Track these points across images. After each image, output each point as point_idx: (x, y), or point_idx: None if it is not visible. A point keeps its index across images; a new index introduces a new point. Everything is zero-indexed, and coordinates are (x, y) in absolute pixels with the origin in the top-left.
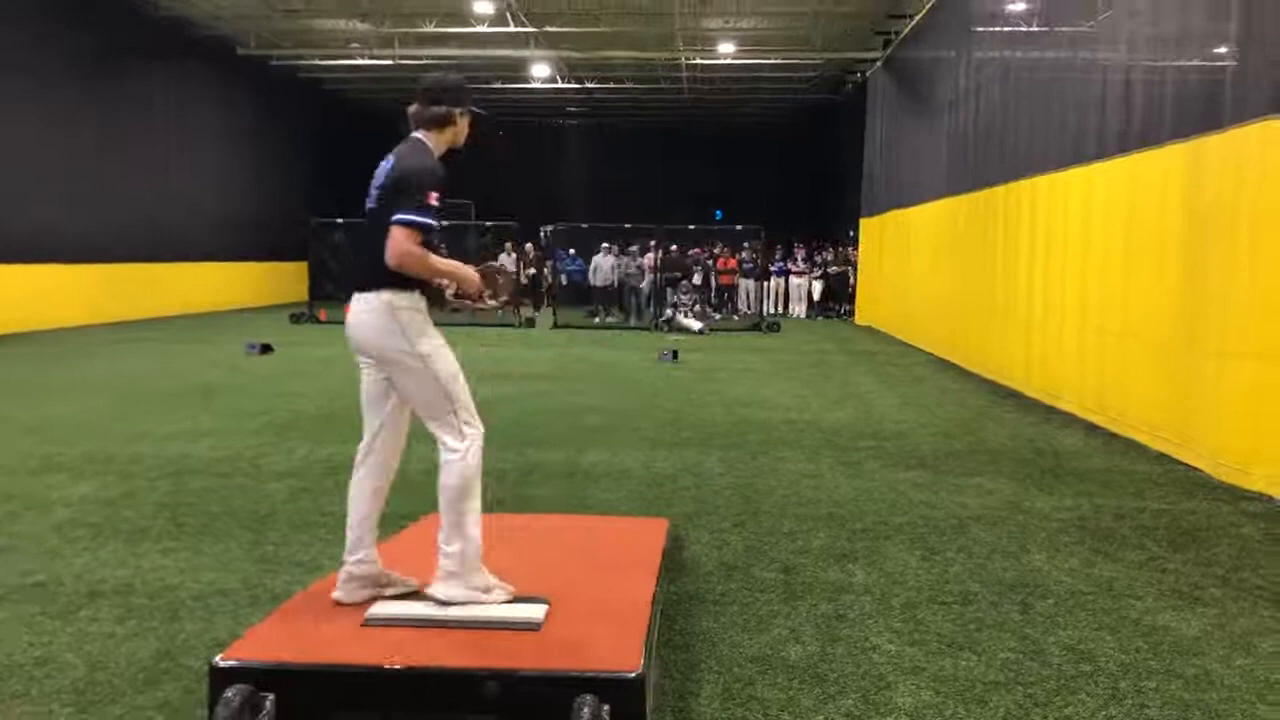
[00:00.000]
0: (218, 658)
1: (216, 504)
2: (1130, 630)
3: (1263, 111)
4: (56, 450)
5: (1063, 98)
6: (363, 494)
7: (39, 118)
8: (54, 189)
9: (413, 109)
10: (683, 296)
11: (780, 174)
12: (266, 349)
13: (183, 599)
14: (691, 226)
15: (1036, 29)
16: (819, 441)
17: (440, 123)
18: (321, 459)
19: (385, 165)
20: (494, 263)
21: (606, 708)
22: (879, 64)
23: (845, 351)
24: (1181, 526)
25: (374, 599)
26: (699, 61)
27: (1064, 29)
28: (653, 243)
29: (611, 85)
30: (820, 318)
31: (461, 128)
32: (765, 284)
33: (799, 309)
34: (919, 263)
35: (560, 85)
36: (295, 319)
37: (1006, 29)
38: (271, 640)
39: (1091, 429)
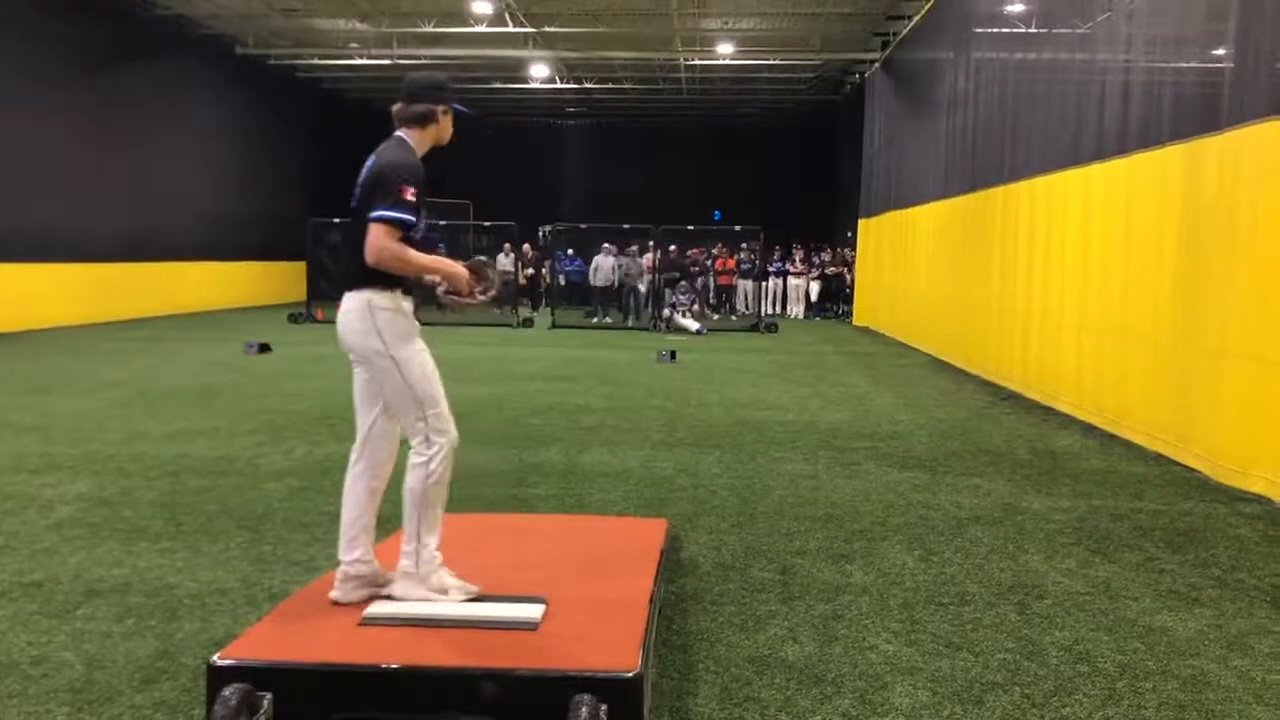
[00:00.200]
0: (215, 657)
1: (214, 503)
2: (1127, 631)
3: (1261, 113)
4: (54, 449)
5: (1061, 99)
6: (357, 494)
7: (36, 116)
8: (51, 188)
9: (396, 107)
10: (681, 297)
11: (779, 175)
12: (265, 348)
13: (180, 598)
14: (690, 227)
15: (1035, 30)
16: (817, 442)
17: (422, 120)
18: (319, 459)
19: (367, 163)
20: (482, 257)
21: (604, 707)
22: (878, 65)
23: (843, 352)
24: (1179, 527)
25: (371, 599)
26: (698, 62)
27: (1063, 30)
28: (651, 243)
29: (610, 86)
30: (818, 318)
31: (444, 125)
32: (763, 284)
33: (797, 309)
34: (917, 264)
35: (559, 85)
36: (293, 319)
37: (1005, 30)
38: (269, 639)
39: (1089, 430)
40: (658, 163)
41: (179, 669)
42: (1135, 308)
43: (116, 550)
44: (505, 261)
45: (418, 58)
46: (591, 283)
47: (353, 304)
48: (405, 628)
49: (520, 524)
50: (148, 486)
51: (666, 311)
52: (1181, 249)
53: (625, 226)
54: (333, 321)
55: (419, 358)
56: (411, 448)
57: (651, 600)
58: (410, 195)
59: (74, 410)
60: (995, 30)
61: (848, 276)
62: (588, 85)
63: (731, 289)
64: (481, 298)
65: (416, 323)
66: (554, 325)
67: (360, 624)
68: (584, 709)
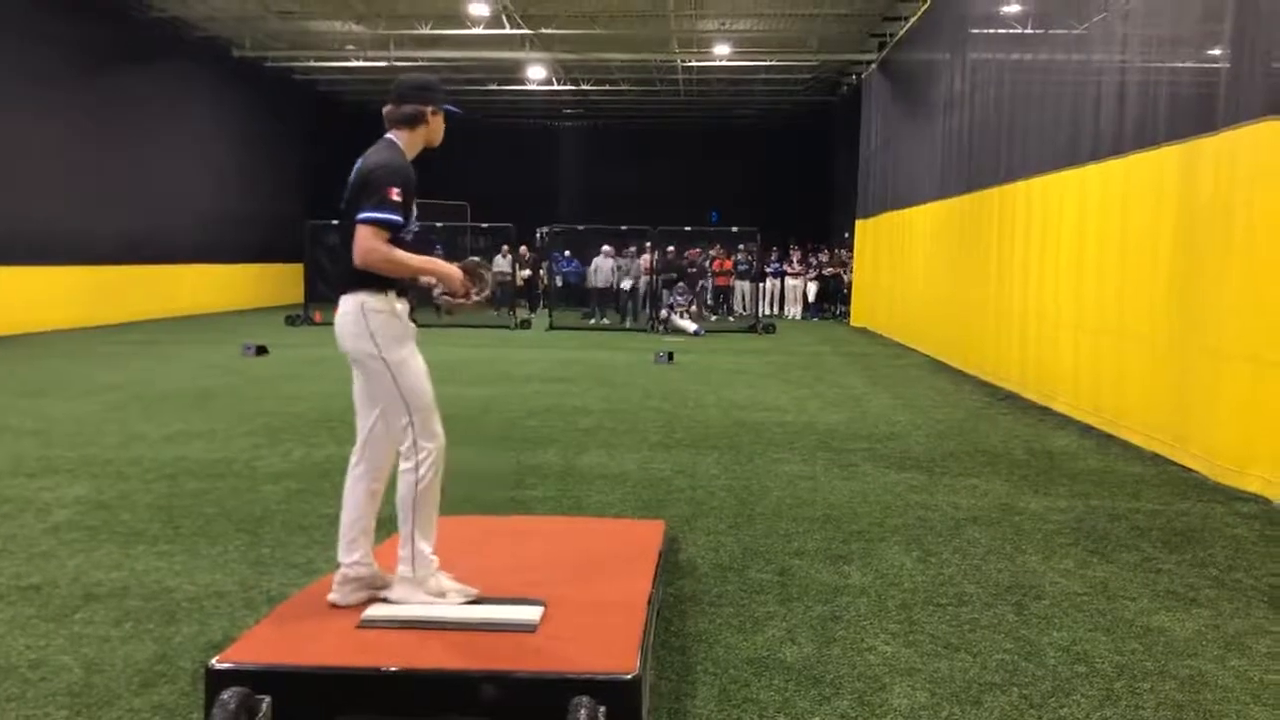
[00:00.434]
0: (214, 660)
1: (212, 506)
2: (1125, 631)
3: (1257, 113)
4: (51, 453)
5: (1057, 100)
6: (357, 496)
7: (33, 119)
8: (48, 190)
9: (386, 109)
10: (678, 298)
11: (776, 176)
12: (262, 351)
13: (178, 601)
14: (687, 228)
15: (1031, 31)
16: (814, 443)
17: (411, 121)
18: (317, 461)
19: (356, 166)
20: (475, 258)
21: (603, 709)
22: (874, 66)
23: (840, 353)
24: (1176, 527)
25: (370, 601)
26: (694, 63)
27: (1059, 31)
28: (648, 244)
29: (607, 87)
30: (815, 319)
31: (435, 126)
32: (761, 285)
33: (794, 310)
34: (914, 264)
35: (556, 87)
36: (291, 321)
37: (1001, 31)
38: (267, 643)
39: (1086, 430)
40: (655, 164)
41: (177, 672)
42: (1132, 308)
43: (114, 553)
44: (503, 263)
45: (414, 60)
46: (590, 284)
47: (347, 306)
48: (404, 630)
49: (518, 526)
50: (145, 489)
51: (664, 313)
52: (1178, 249)
53: (623, 228)
54: (330, 324)
55: (412, 362)
56: (400, 453)
57: (650, 602)
58: (396, 196)
59: (71, 413)
60: (991, 31)
61: (845, 277)
62: (584, 87)
63: (729, 290)
64: (476, 298)
65: (412, 325)
66: (551, 327)
67: (359, 626)
68: (583, 711)
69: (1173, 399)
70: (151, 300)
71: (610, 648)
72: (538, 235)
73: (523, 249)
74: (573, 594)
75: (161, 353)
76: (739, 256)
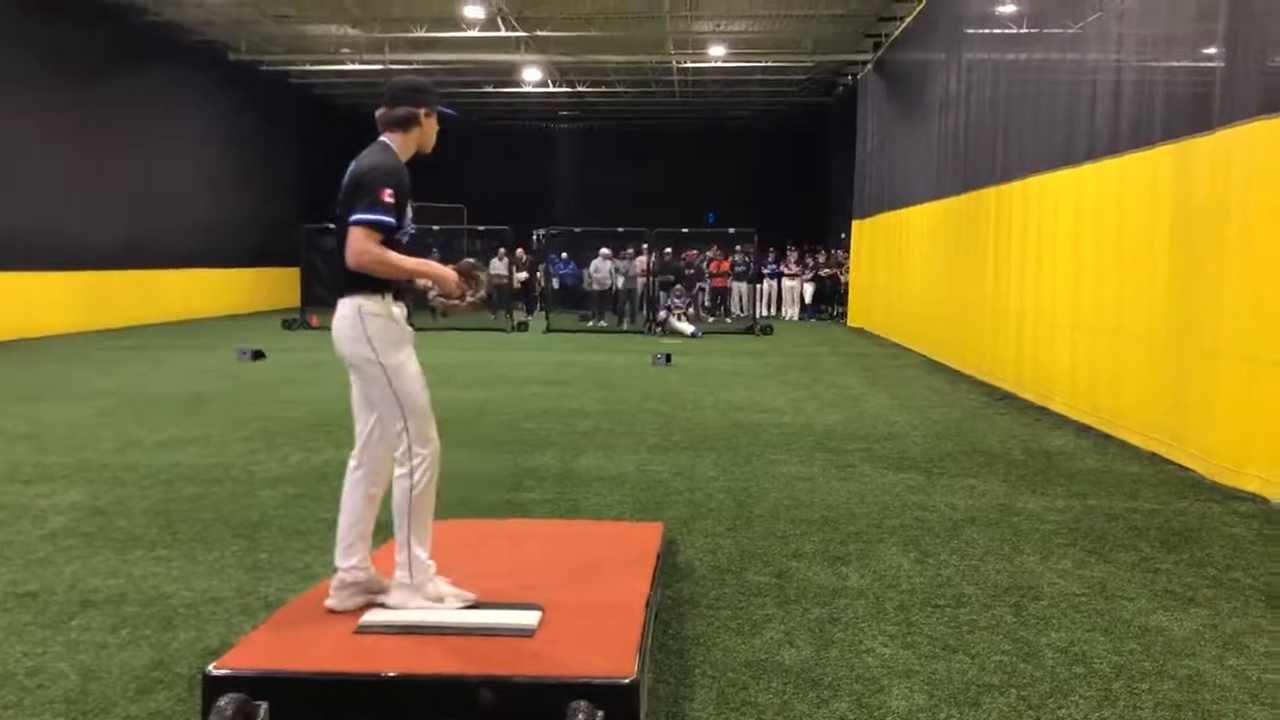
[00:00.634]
0: (211, 666)
1: (209, 511)
2: (1123, 631)
3: (1252, 113)
4: (47, 459)
5: (1053, 99)
6: (355, 500)
7: (28, 124)
8: (43, 195)
9: (379, 112)
10: (676, 300)
11: (772, 177)
12: (258, 355)
13: (175, 607)
14: (685, 230)
15: (1026, 31)
16: (812, 444)
17: (404, 124)
18: (315, 465)
19: (349, 169)
20: (470, 260)
21: (601, 713)
22: (869, 66)
23: (837, 354)
24: (1174, 527)
25: (367, 606)
26: (690, 65)
27: (1054, 31)
28: (645, 246)
29: (603, 89)
30: (813, 320)
31: (428, 128)
32: (758, 287)
33: (791, 311)
34: (911, 265)
35: (551, 89)
36: (287, 325)
37: (997, 31)
38: (265, 648)
39: (1083, 430)
40: (651, 165)
41: (174, 679)
42: (1129, 307)
43: (111, 560)
44: (499, 266)
45: (409, 63)
46: (588, 286)
47: (344, 310)
48: (401, 635)
49: (515, 529)
50: (142, 495)
51: (662, 314)
52: (1174, 249)
53: (619, 230)
54: (327, 328)
55: (408, 366)
56: (395, 458)
57: (648, 605)
58: (388, 197)
59: (67, 419)
60: (986, 31)
61: (841, 278)
62: (580, 89)
63: (726, 291)
64: (471, 299)
65: (409, 329)
66: (548, 329)
67: (356, 632)
68: (581, 715)
69: (1170, 398)
70: (147, 305)
71: (608, 651)
72: (534, 237)
73: (519, 251)
74: (570, 597)
75: (157, 358)
76: (736, 258)
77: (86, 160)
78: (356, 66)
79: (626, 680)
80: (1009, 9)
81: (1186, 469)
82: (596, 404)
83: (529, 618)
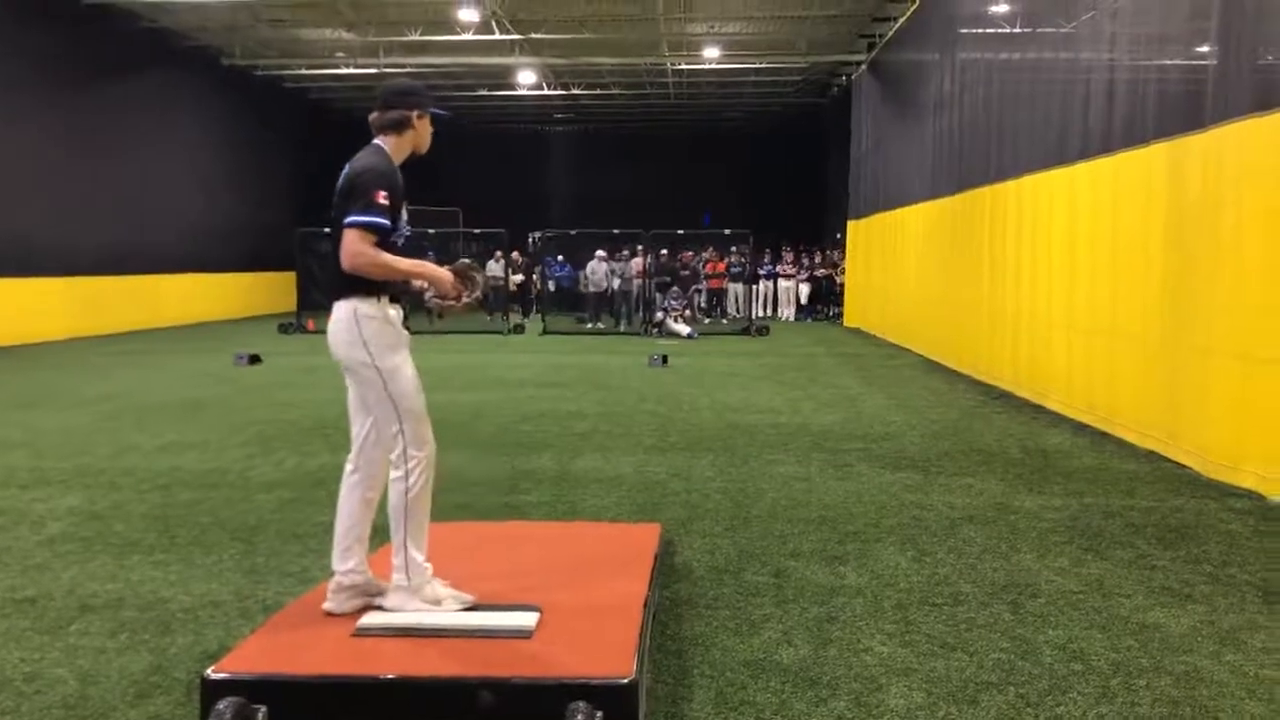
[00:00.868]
0: (209, 670)
1: (206, 516)
2: (1120, 628)
3: (1244, 110)
4: (43, 464)
5: (1047, 98)
6: (352, 504)
7: (21, 129)
8: (38, 201)
9: (372, 116)
10: (672, 302)
11: (767, 177)
12: (255, 360)
13: (174, 612)
14: (680, 231)
15: (1020, 30)
16: (809, 444)
17: (398, 127)
18: (311, 469)
19: (344, 172)
20: (465, 260)
21: (599, 714)
22: (863, 67)
23: (834, 354)
24: (1170, 524)
25: (365, 609)
26: (684, 66)
27: (1047, 30)
28: (639, 248)
29: (597, 91)
30: (809, 321)
31: (422, 131)
32: (754, 287)
33: (788, 312)
34: (906, 265)
35: (546, 92)
36: (283, 329)
37: (990, 31)
38: (263, 652)
39: (1080, 428)
40: (646, 167)
41: (173, 683)
42: (1124, 305)
43: (109, 564)
44: (496, 268)
45: (404, 66)
46: (584, 288)
47: (340, 314)
48: (399, 638)
49: (513, 531)
50: (139, 500)
51: (658, 316)
52: (1168, 247)
53: (615, 232)
54: (323, 331)
55: (404, 369)
56: (391, 461)
57: (646, 606)
58: (383, 199)
59: (63, 425)
60: (980, 31)
61: (837, 279)
62: (575, 91)
63: (722, 292)
64: (467, 299)
65: (405, 332)
66: (545, 331)
67: (354, 635)
68: (579, 716)
69: (1165, 396)
70: (142, 311)
71: (606, 652)
72: (530, 240)
73: (514, 254)
74: (568, 599)
75: (153, 363)
76: (732, 259)
77: (81, 166)
78: (351, 70)
79: (625, 681)
80: (1002, 8)
81: (1183, 466)
82: (593, 406)
83: (527, 619)
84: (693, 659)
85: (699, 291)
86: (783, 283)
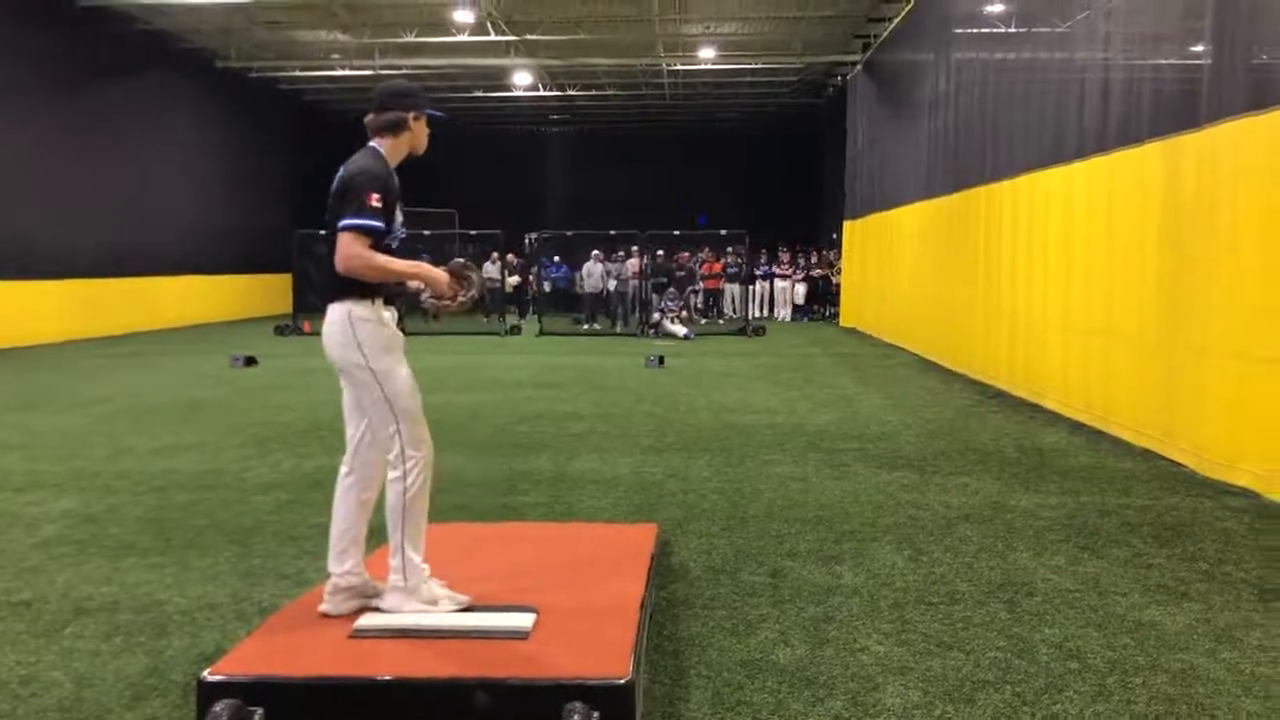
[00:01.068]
0: (205, 672)
1: (202, 518)
2: (1116, 626)
3: (1239, 109)
4: (38, 467)
5: (1042, 98)
6: (348, 505)
7: (19, 131)
8: (33, 203)
9: (368, 118)
10: (669, 302)
11: (763, 178)
12: (251, 361)
13: (169, 614)
14: (676, 232)
15: (1015, 30)
16: (805, 444)
17: (394, 128)
18: (308, 471)
19: (338, 175)
20: (460, 260)
21: (596, 715)
22: (859, 67)
23: (830, 354)
24: (1166, 522)
25: (361, 610)
26: (680, 67)
27: (1042, 29)
28: (635, 249)
29: (593, 92)
30: (805, 321)
31: (418, 132)
32: (750, 288)
33: (784, 312)
34: (902, 264)
35: (542, 93)
36: (280, 331)
37: (985, 30)
38: (259, 654)
39: (1076, 427)
40: (642, 168)
41: (169, 686)
42: (1120, 305)
43: (104, 567)
44: (492, 269)
45: (399, 68)
46: (580, 289)
47: (334, 316)
48: (396, 639)
49: (510, 532)
50: (135, 502)
51: (655, 316)
52: (1163, 246)
53: (611, 232)
54: (319, 334)
55: (399, 370)
56: (388, 462)
57: (642, 606)
58: (375, 202)
59: (58, 427)
60: (975, 30)
61: (833, 278)
62: (570, 92)
63: (718, 293)
64: (463, 299)
65: (400, 334)
66: (542, 332)
67: (351, 636)
68: (576, 717)
69: (1161, 395)
70: (138, 313)
71: (603, 653)
72: (526, 241)
73: (510, 255)
74: (565, 600)
75: (149, 365)
76: (728, 259)
77: (78, 168)
78: (346, 72)
79: (621, 681)
80: (997, 8)
81: (1178, 465)
82: (590, 407)
83: (524, 620)
84: (689, 659)
85: (695, 292)
86: (779, 283)
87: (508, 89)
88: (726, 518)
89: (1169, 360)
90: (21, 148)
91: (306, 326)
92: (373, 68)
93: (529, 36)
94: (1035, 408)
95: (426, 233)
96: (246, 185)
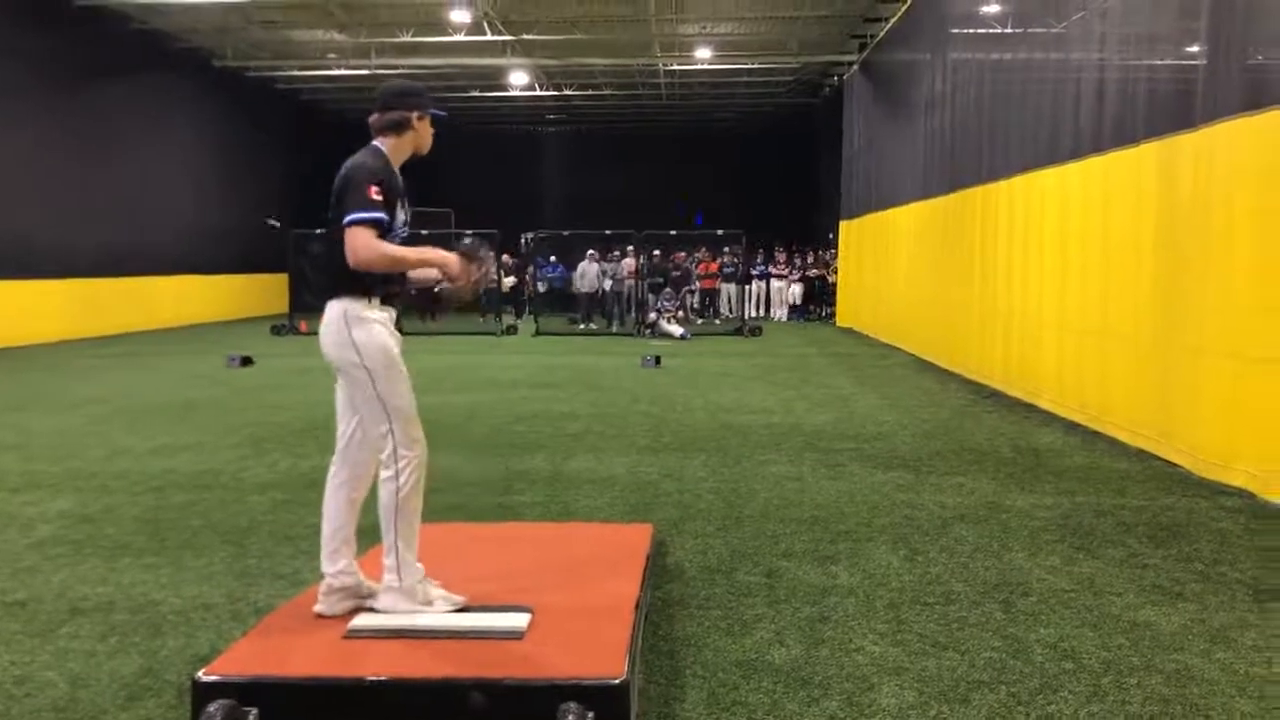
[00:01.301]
0: (200, 673)
1: (198, 518)
2: (1111, 626)
3: (1234, 110)
4: (34, 467)
5: (1038, 98)
6: (338, 504)
7: (13, 131)
8: (29, 203)
9: (371, 118)
10: (665, 303)
11: (760, 178)
12: (247, 361)
13: (164, 614)
14: (673, 232)
15: (1011, 30)
16: (801, 444)
17: (397, 128)
18: (303, 471)
19: (339, 174)
20: (468, 240)
21: (591, 715)
22: (855, 67)
23: (826, 354)
24: (1161, 522)
25: (356, 610)
26: (676, 67)
27: (1038, 30)
28: (630, 248)
29: (590, 92)
30: (802, 321)
31: (422, 131)
32: (746, 288)
33: (780, 312)
34: (899, 265)
35: (538, 93)
36: (276, 331)
37: (981, 31)
38: (254, 654)
39: (1071, 427)
40: (638, 168)
41: (164, 686)
42: (1115, 304)
43: (100, 567)
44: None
45: (395, 67)
46: (577, 289)
47: (331, 314)
48: (391, 640)
49: (506, 532)
50: (131, 502)
51: (651, 316)
52: (1159, 246)
53: (608, 232)
54: (316, 333)
55: (394, 370)
56: (381, 462)
57: (637, 606)
58: (375, 194)
59: (54, 427)
60: (971, 31)
61: (829, 278)
62: (567, 92)
63: (715, 293)
64: (477, 277)
65: (397, 333)
66: (538, 332)
67: (345, 637)
68: (571, 716)
69: (1156, 395)
70: (135, 312)
71: (598, 653)
72: (522, 241)
73: (505, 256)
74: (560, 600)
75: (145, 365)
76: (724, 259)
77: (73, 168)
78: (343, 72)
79: (616, 681)
80: (993, 9)
81: (1174, 465)
82: (586, 407)
83: (519, 620)
84: (685, 659)
85: (691, 292)
86: (775, 283)
87: (504, 89)
88: (722, 518)
89: (1164, 360)
90: (18, 147)
91: (303, 326)
92: (369, 67)
93: (525, 36)
94: (1031, 408)
95: (425, 232)
96: (243, 185)
